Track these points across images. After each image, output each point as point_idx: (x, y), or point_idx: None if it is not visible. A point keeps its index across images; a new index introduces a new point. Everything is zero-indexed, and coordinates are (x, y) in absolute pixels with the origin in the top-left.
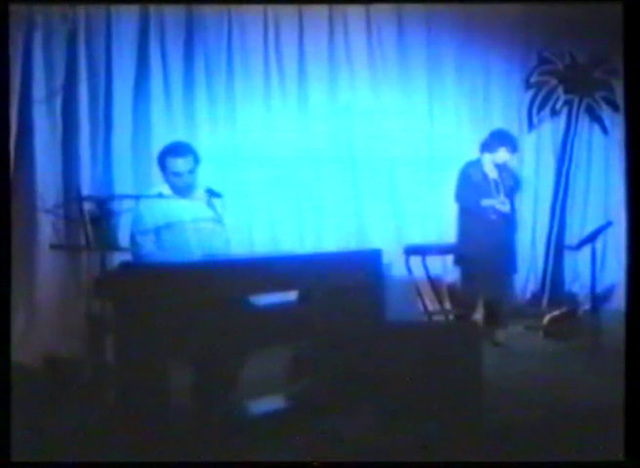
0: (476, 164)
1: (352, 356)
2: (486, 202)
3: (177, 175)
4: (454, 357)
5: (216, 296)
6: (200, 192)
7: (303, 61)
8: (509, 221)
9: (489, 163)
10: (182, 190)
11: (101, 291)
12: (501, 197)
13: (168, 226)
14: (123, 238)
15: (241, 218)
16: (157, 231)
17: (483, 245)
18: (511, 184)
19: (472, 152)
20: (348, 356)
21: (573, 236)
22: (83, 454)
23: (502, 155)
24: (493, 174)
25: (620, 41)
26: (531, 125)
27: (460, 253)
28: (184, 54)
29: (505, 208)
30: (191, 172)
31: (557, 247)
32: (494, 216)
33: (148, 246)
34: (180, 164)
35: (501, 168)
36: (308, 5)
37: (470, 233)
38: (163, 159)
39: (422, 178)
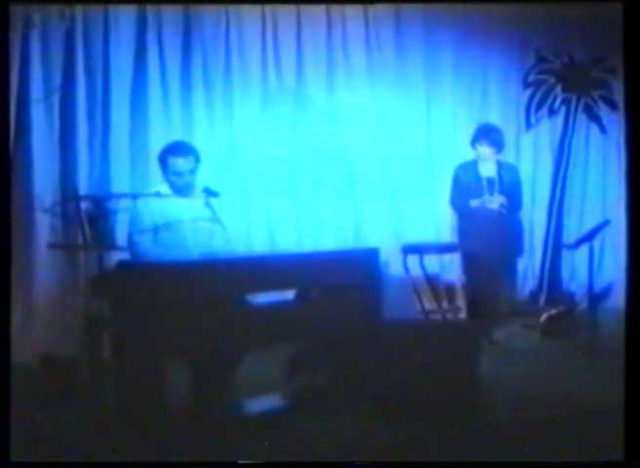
0: (467, 165)
1: (350, 355)
2: (474, 202)
3: (178, 174)
4: (451, 356)
5: (213, 295)
6: (198, 191)
7: (301, 61)
8: (504, 218)
9: (480, 160)
10: (182, 189)
11: (99, 290)
12: (495, 194)
13: (166, 225)
14: (121, 237)
15: (238, 217)
16: (155, 230)
17: (479, 244)
18: (509, 180)
19: (469, 151)
20: (346, 355)
21: (570, 234)
22: (83, 454)
23: (486, 150)
24: (485, 171)
25: (619, 40)
26: (529, 124)
27: (458, 251)
28: (182, 53)
29: (494, 205)
30: (192, 171)
31: (555, 245)
32: (485, 215)
33: (146, 245)
34: (181, 163)
35: (492, 164)
36: (306, 4)
37: (466, 233)
38: (164, 158)
39: (420, 177)
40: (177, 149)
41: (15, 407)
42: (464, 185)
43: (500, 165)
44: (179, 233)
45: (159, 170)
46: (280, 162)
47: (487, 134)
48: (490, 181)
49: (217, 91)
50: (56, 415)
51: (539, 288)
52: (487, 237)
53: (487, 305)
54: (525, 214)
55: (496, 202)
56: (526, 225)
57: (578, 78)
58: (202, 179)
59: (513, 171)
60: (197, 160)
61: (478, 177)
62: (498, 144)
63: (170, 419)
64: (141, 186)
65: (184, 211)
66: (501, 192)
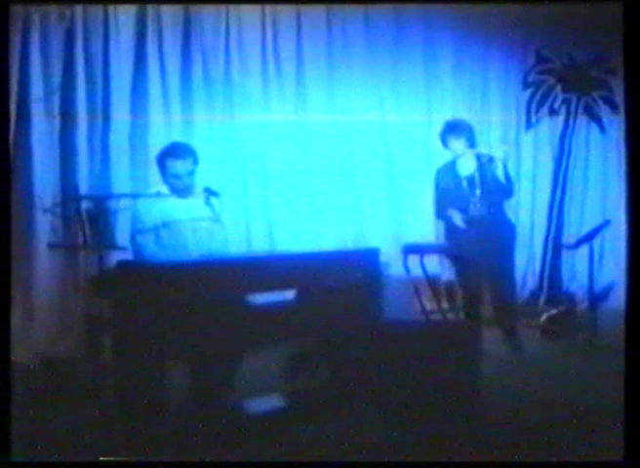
0: (446, 166)
1: (350, 355)
2: (452, 211)
3: (176, 176)
4: (452, 356)
5: (214, 295)
6: (198, 191)
7: (301, 61)
8: (492, 219)
9: (458, 159)
10: (181, 191)
11: (99, 290)
12: (476, 194)
13: (166, 226)
14: (121, 237)
15: (239, 217)
16: (156, 230)
17: (470, 247)
18: (491, 174)
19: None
20: (346, 355)
21: (570, 235)
22: (83, 454)
23: (456, 144)
24: (464, 170)
25: (619, 40)
26: (529, 124)
27: (458, 252)
28: (182, 53)
29: (477, 207)
30: (191, 173)
31: (555, 246)
32: (473, 215)
33: (148, 245)
34: (179, 166)
35: (471, 160)
36: (306, 5)
37: (454, 239)
38: (163, 160)
39: (420, 177)
40: (175, 152)
41: (15, 407)
42: (445, 189)
43: (479, 159)
44: (179, 233)
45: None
46: (280, 162)
47: (451, 128)
48: (470, 180)
49: (216, 90)
50: (56, 415)
51: (539, 288)
52: (477, 239)
53: (487, 305)
54: (525, 215)
55: (478, 205)
56: (526, 225)
57: (578, 78)
58: (202, 179)
59: (494, 162)
60: (195, 162)
61: (457, 178)
62: (466, 136)
63: (170, 419)
64: (141, 186)
65: (185, 211)
66: (483, 188)
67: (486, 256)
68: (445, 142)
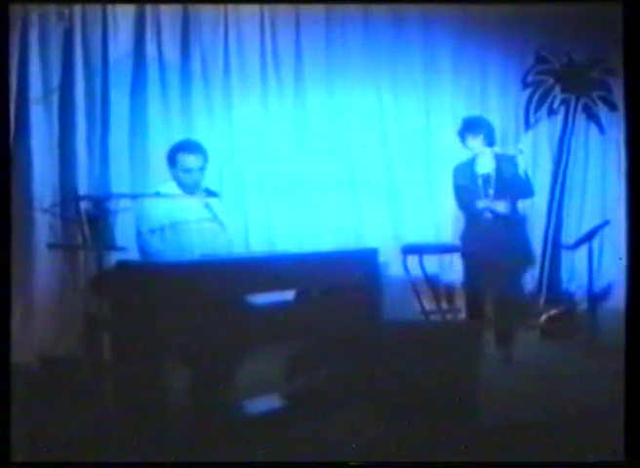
0: (464, 164)
1: (350, 355)
2: (481, 204)
3: (187, 171)
4: (451, 356)
5: (213, 296)
6: (201, 191)
7: (300, 60)
8: (505, 219)
9: (477, 157)
10: (191, 187)
11: (99, 290)
12: (491, 193)
13: (170, 225)
14: (120, 237)
15: (238, 218)
16: (162, 231)
17: (479, 244)
18: (508, 173)
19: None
20: (346, 355)
21: (570, 235)
22: (83, 454)
23: (473, 142)
24: (481, 168)
25: (619, 40)
26: (528, 124)
27: (458, 253)
28: (181, 53)
29: (500, 207)
30: (201, 169)
31: (554, 246)
32: (487, 216)
33: (155, 245)
34: (191, 160)
35: (489, 159)
36: (305, 5)
37: (466, 235)
38: (174, 155)
39: (420, 178)
40: (187, 147)
41: (15, 407)
42: (460, 186)
43: (498, 159)
44: (183, 233)
45: (159, 170)
46: (280, 162)
47: (469, 126)
48: (485, 178)
49: (216, 90)
50: (56, 415)
51: (538, 288)
52: (489, 238)
53: (487, 305)
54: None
55: (500, 203)
56: (525, 226)
57: (577, 79)
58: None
59: (513, 162)
60: (206, 159)
61: (474, 175)
62: (484, 134)
63: (170, 419)
64: (141, 186)
65: (189, 211)
66: (498, 187)
67: (500, 256)
68: (463, 140)
